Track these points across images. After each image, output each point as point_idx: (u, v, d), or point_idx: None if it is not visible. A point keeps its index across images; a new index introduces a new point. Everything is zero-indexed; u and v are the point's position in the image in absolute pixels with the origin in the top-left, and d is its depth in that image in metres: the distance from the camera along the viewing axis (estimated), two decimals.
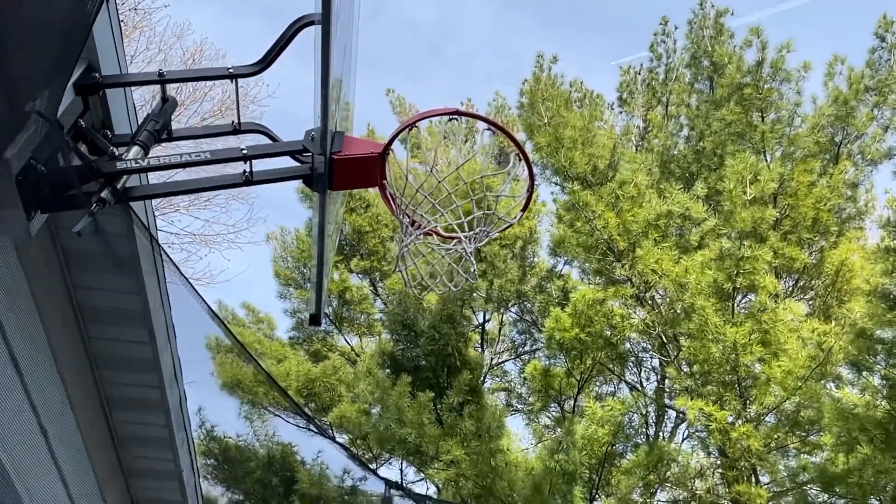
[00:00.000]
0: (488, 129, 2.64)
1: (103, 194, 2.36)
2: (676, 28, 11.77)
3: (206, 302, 3.01)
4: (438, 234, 2.70)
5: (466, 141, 10.89)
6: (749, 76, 9.02)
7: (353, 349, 11.40)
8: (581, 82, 11.68)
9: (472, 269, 2.58)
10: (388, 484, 6.47)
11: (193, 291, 3.02)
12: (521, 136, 10.12)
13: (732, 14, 10.17)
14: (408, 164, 2.77)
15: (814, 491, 7.92)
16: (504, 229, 2.80)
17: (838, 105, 9.03)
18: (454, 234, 2.63)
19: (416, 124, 2.67)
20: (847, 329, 7.52)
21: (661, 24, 12.08)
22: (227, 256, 13.55)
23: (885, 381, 7.18)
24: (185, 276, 3.08)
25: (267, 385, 7.71)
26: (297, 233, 11.71)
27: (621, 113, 12.60)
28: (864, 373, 7.61)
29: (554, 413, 10.30)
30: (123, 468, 4.10)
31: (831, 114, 9.03)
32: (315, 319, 3.06)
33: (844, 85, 9.23)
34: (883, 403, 7.02)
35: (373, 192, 11.44)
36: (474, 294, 10.39)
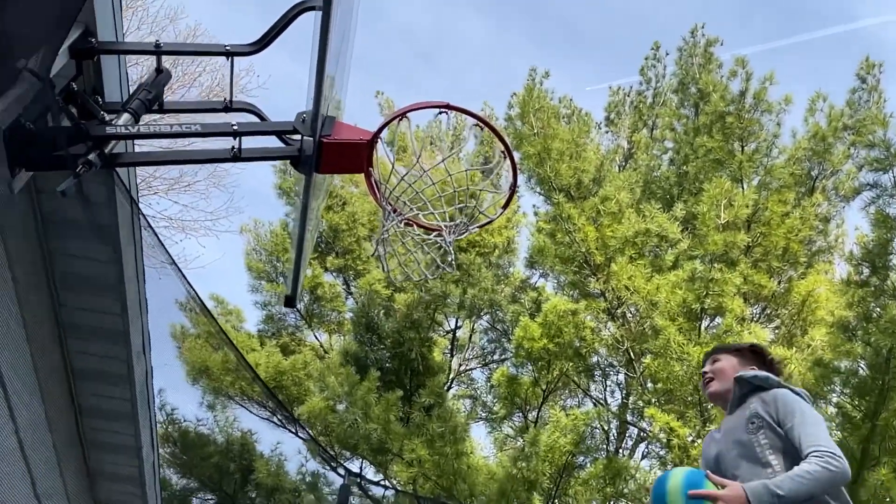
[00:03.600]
0: (476, 124, 2.70)
1: (90, 157, 2.36)
2: (668, 54, 12.02)
3: (182, 273, 3.01)
4: (419, 224, 2.75)
5: (452, 148, 10.95)
6: (732, 105, 9.20)
7: (321, 345, 11.35)
8: (570, 99, 11.86)
9: (450, 259, 2.63)
10: (348, 472, 6.44)
11: (172, 263, 3.02)
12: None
13: (722, 44, 10.38)
14: (394, 159, 2.83)
15: None
16: (485, 225, 2.86)
17: (816, 140, 9.25)
18: (435, 225, 2.68)
19: (407, 116, 2.72)
20: (807, 356, 7.69)
21: (652, 48, 12.33)
22: (202, 244, 13.36)
23: (838, 410, 7.35)
24: (164, 247, 3.08)
25: (234, 374, 7.66)
26: (272, 227, 11.64)
27: (608, 132, 12.79)
28: (820, 401, 7.79)
29: (517, 423, 10.36)
30: (82, 439, 4.06)
31: (809, 148, 9.24)
32: (290, 301, 3.08)
33: (824, 121, 9.45)
34: (837, 433, 7.18)
35: (352, 191, 11.40)
36: (447, 300, 10.42)
